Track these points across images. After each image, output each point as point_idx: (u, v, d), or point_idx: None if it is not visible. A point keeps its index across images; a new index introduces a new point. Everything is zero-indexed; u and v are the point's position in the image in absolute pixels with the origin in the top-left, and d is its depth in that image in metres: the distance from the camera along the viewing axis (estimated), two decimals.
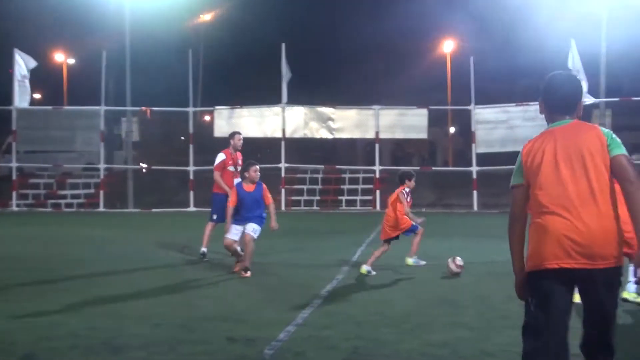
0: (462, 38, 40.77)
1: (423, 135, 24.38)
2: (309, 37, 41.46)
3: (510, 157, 23.95)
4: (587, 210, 3.62)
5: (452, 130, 43.30)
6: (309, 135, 24.72)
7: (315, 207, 24.58)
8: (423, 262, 10.62)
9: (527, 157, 3.89)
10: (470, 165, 23.55)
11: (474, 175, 23.16)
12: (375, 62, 46.24)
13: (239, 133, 12.01)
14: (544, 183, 3.76)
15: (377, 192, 24.04)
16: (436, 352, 5.79)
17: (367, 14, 46.52)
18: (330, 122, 24.26)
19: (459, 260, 9.76)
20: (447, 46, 40.82)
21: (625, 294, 7.48)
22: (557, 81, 3.97)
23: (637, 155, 37.03)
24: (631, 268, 6.33)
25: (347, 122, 24.39)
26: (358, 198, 24.88)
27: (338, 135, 24.86)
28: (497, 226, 17.90)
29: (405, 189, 10.16)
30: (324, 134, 24.59)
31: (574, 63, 22.17)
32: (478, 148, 23.38)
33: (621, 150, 3.71)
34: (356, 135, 25.39)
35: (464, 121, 25.30)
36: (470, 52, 27.13)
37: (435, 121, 37.04)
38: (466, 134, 24.58)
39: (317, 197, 25.14)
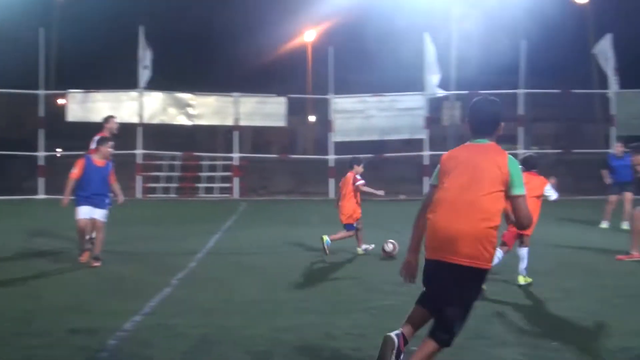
0: (322, 28, 41.34)
1: (282, 123, 24.54)
2: (170, 20, 40.48)
3: (366, 146, 24.69)
4: (457, 214, 4.27)
5: (312, 119, 43.94)
6: (167, 121, 24.26)
7: (172, 195, 24.20)
8: (372, 246, 10.71)
9: (444, 163, 4.56)
10: (328, 153, 23.98)
11: (331, 164, 23.63)
12: (236, 49, 45.97)
13: (113, 116, 11.54)
14: (445, 187, 4.45)
15: (236, 179, 24.02)
16: (282, 337, 5.90)
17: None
18: (189, 109, 23.92)
19: (390, 243, 10.15)
20: (308, 35, 41.23)
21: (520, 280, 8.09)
22: (477, 107, 4.60)
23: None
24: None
25: (206, 109, 24.14)
26: (216, 185, 24.71)
27: (197, 122, 24.56)
28: None
29: (357, 176, 10.53)
30: (182, 120, 24.22)
31: (428, 56, 23.09)
32: (335, 137, 23.86)
33: (520, 191, 4.34)
34: (215, 122, 25.18)
35: (324, 110, 25.70)
36: (330, 42, 27.59)
37: (297, 110, 37.43)
38: (325, 123, 24.98)
39: (175, 185, 24.76)
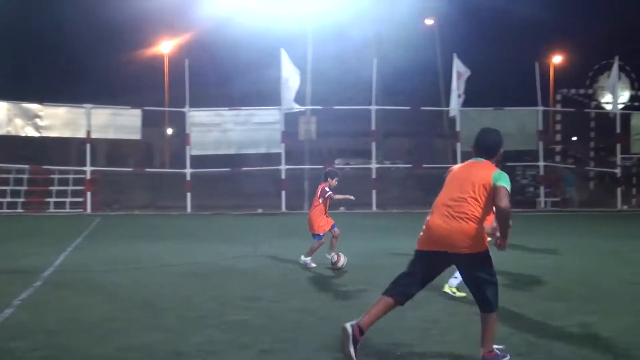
0: (180, 39, 40.87)
1: (137, 135, 23.96)
2: (15, 28, 38.51)
3: (223, 160, 24.61)
4: (448, 212, 5.43)
5: (169, 131, 43.22)
6: (14, 132, 23.03)
7: (19, 210, 22.99)
8: (313, 265, 10.57)
9: (451, 170, 5.83)
10: (185, 167, 23.65)
11: (188, 177, 23.35)
12: (90, 59, 44.47)
13: None
14: (441, 192, 5.65)
15: (89, 193, 23.19)
16: (129, 356, 5.76)
17: (86, 9, 44.52)
18: (37, 120, 22.84)
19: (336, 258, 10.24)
20: (165, 47, 40.62)
21: (446, 288, 8.27)
22: (481, 135, 5.74)
23: (340, 160, 40.42)
24: None
25: (56, 121, 23.13)
26: (68, 200, 23.71)
27: (46, 134, 23.45)
28: (209, 228, 18.37)
29: (326, 188, 10.58)
30: (30, 132, 23.06)
31: (285, 71, 23.36)
32: (192, 150, 23.60)
33: (503, 183, 5.32)
34: (66, 134, 24.14)
35: (181, 123, 25.34)
36: (187, 55, 27.34)
37: (153, 122, 36.67)
38: (182, 136, 24.64)
39: (22, 199, 23.54)
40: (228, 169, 25.48)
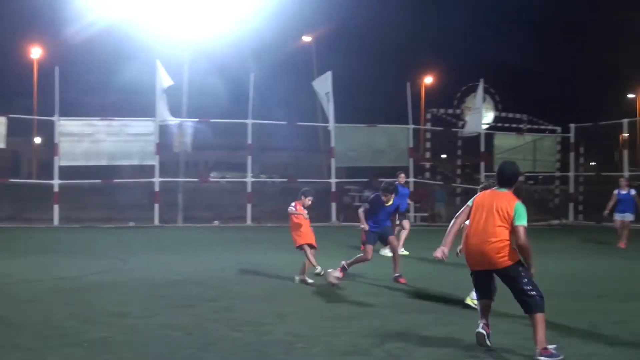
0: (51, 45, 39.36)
1: (1, 144, 22.79)
2: None
3: (96, 171, 23.79)
4: (480, 237, 6.45)
5: (37, 140, 41.40)
6: None
7: None
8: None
9: (476, 199, 6.78)
10: (53, 178, 22.67)
11: (56, 189, 22.41)
12: None
13: None
14: (471, 218, 6.68)
15: None
16: None
17: None
18: None
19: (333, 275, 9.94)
20: (35, 52, 38.96)
21: (468, 300, 8.54)
22: (502, 168, 6.83)
23: (215, 173, 40.19)
24: None
25: None
26: None
27: None
28: (77, 241, 17.69)
29: (293, 206, 10.59)
30: None
31: (160, 83, 22.93)
32: (62, 161, 22.67)
33: (522, 221, 6.35)
34: None
35: (50, 132, 24.28)
36: (58, 61, 26.33)
37: (21, 131, 35.05)
38: (51, 146, 23.61)
39: None
40: (99, 181, 24.71)
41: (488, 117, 30.27)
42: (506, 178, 6.72)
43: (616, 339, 7.03)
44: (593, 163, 58.84)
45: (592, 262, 14.45)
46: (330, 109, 24.82)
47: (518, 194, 6.70)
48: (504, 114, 30.81)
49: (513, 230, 6.34)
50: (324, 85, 25.06)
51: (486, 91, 28.68)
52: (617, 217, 17.50)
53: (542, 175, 31.49)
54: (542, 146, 29.39)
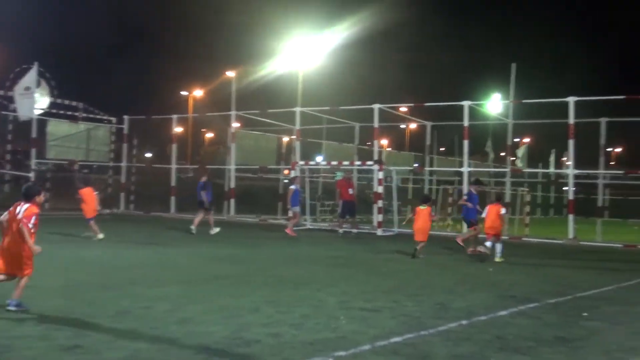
0: None
1: None
2: None
3: None
4: None
5: None
6: None
7: None
8: None
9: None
10: None
11: None
12: None
13: None
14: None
15: None
16: None
17: None
18: None
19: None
20: None
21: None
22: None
23: None
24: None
25: None
26: None
27: None
28: None
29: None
30: None
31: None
32: None
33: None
34: None
35: None
36: None
37: None
38: None
39: None
40: None
41: (42, 102, 29.02)
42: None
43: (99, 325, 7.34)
44: (149, 155, 61.19)
45: (132, 252, 14.93)
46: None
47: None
48: (59, 101, 29.83)
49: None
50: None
51: (42, 75, 27.41)
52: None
53: (96, 164, 31.43)
54: (96, 135, 29.43)
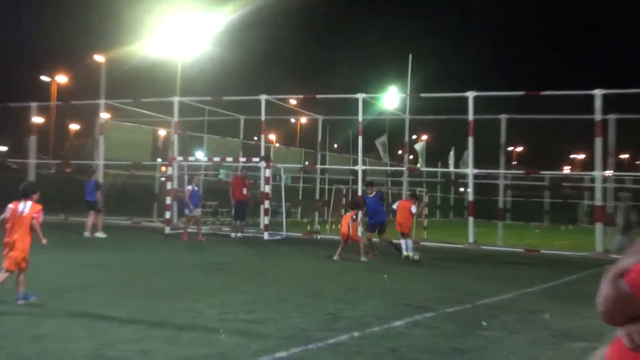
0: None
1: None
2: None
3: None
4: None
5: None
6: None
7: None
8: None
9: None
10: None
11: None
12: None
13: None
14: None
15: None
16: None
17: None
18: None
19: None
20: None
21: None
22: None
23: None
24: None
25: None
26: None
27: None
28: None
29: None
30: None
31: None
32: None
33: None
34: None
35: None
36: None
37: None
38: None
39: None
40: None
41: None
42: None
43: None
44: (3, 148, 58.57)
45: None
46: None
47: None
48: None
49: None
50: None
51: None
52: None
53: None
54: None
